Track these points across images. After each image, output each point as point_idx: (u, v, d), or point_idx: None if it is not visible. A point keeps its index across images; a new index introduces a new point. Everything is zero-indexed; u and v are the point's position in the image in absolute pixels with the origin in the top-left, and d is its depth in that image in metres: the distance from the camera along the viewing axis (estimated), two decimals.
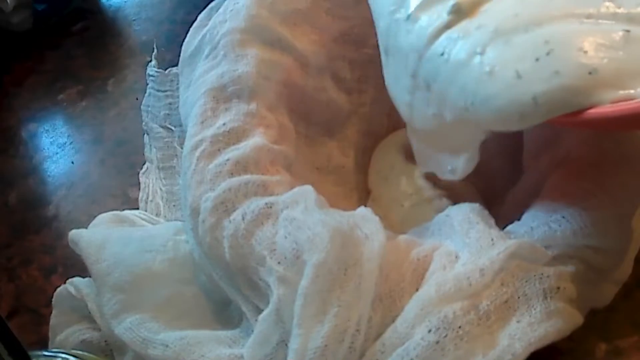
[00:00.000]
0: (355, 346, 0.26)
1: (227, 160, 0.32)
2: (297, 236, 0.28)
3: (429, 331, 0.26)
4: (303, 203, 0.30)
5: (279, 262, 0.28)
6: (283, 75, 0.37)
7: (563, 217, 0.29)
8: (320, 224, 0.28)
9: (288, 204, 0.30)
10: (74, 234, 0.35)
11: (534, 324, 0.26)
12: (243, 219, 0.30)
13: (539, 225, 0.29)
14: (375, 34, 0.33)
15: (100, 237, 0.35)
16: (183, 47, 0.40)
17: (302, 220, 0.29)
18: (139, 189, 0.43)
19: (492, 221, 0.30)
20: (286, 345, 0.27)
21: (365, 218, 0.30)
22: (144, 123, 0.47)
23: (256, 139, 0.33)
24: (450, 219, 0.31)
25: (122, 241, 0.35)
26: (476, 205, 0.31)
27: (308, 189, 0.31)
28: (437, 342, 0.25)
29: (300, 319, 0.26)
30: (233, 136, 0.34)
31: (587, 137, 0.31)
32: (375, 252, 0.28)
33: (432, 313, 0.26)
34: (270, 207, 0.30)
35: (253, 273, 0.29)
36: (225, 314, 0.34)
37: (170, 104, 0.48)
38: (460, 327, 0.26)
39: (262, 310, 0.29)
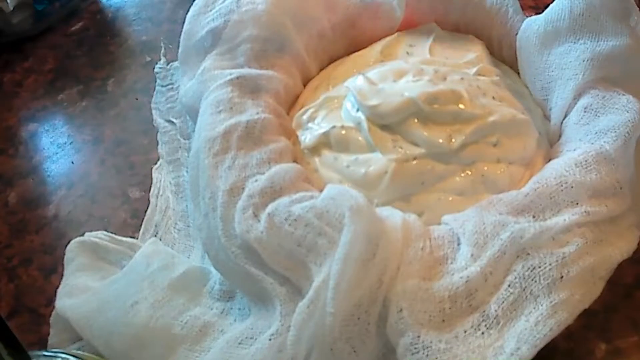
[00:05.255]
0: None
1: (271, 150, 0.33)
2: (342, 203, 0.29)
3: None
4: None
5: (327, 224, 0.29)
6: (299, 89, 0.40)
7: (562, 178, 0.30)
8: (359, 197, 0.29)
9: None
10: (60, 308, 0.35)
11: (540, 323, 0.27)
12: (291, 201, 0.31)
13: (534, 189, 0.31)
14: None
15: (84, 311, 0.34)
16: (184, 35, 0.40)
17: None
18: (139, 189, 0.44)
19: None
20: None
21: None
22: (154, 120, 0.47)
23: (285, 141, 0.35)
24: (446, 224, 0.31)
25: (104, 307, 0.33)
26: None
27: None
28: None
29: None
30: (267, 125, 0.35)
31: None
32: (398, 225, 0.29)
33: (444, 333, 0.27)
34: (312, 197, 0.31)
35: (299, 250, 0.29)
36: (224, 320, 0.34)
37: (171, 96, 0.48)
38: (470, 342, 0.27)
39: (302, 290, 0.29)
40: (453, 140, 0.32)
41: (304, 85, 0.40)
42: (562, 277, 0.27)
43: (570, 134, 0.33)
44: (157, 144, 0.46)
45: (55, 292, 0.36)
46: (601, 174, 0.30)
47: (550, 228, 0.29)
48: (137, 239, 0.40)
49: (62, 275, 0.37)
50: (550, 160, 0.33)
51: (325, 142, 0.35)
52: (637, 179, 0.32)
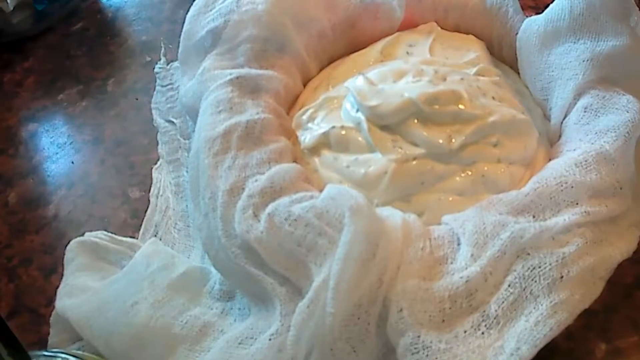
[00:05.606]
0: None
1: (271, 150, 0.33)
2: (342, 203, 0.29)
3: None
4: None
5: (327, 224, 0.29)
6: (299, 89, 0.40)
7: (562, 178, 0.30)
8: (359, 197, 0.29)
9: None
10: (60, 308, 0.35)
11: (540, 323, 0.27)
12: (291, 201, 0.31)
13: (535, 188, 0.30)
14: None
15: (84, 311, 0.34)
16: (184, 35, 0.40)
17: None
18: (139, 189, 0.44)
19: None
20: None
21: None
22: (154, 120, 0.47)
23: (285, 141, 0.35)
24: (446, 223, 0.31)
25: (104, 307, 0.33)
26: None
27: None
28: None
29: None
30: (267, 125, 0.35)
31: None
32: (398, 225, 0.29)
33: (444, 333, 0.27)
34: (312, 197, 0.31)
35: (299, 250, 0.29)
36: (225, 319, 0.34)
37: (171, 96, 0.48)
38: (470, 342, 0.27)
39: (302, 290, 0.29)
40: (453, 140, 0.32)
41: (304, 85, 0.41)
42: (562, 277, 0.27)
43: (570, 134, 0.33)
44: (157, 144, 0.46)
45: (55, 292, 0.36)
46: (601, 174, 0.30)
47: (550, 228, 0.29)
48: (137, 239, 0.40)
49: (62, 275, 0.37)
50: (550, 160, 0.33)
51: (325, 142, 0.35)
52: (637, 179, 0.32)
